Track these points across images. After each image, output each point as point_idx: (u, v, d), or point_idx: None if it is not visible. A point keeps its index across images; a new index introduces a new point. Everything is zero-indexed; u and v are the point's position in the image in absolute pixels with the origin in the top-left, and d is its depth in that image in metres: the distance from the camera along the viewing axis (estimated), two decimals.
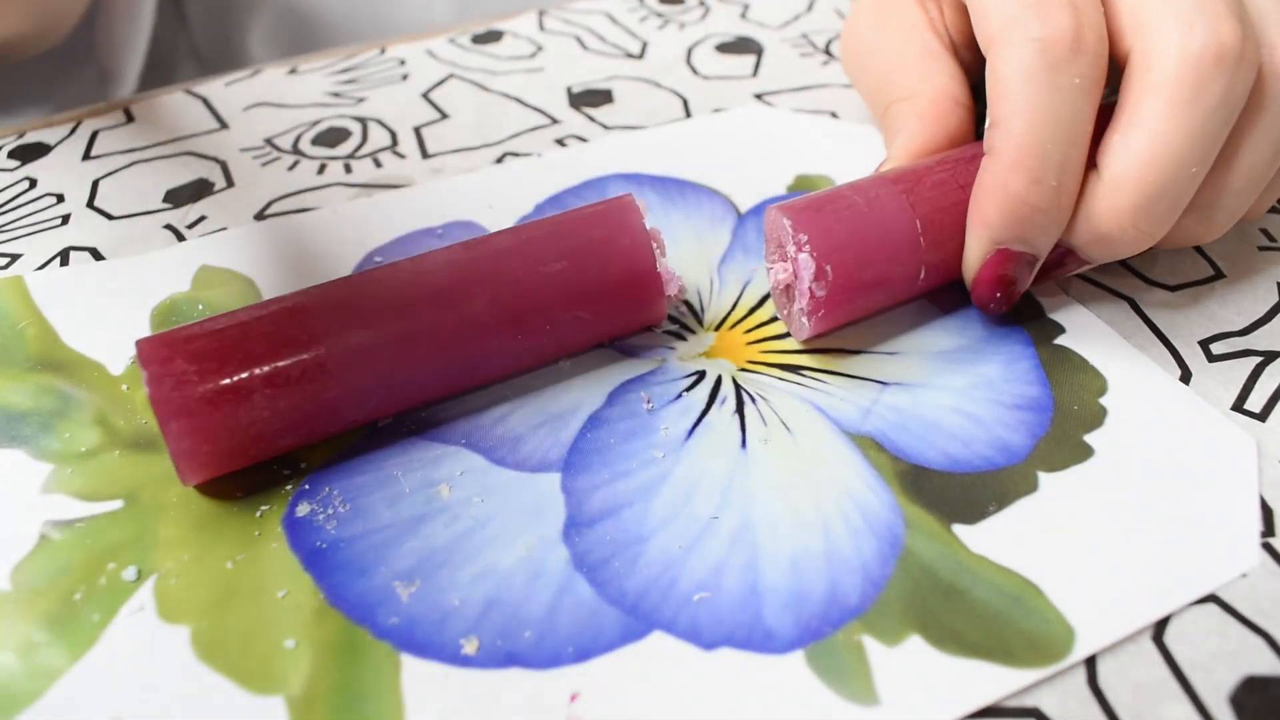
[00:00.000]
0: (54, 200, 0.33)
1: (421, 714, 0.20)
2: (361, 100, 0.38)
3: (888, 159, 0.29)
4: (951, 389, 0.26)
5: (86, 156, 0.35)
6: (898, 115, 0.30)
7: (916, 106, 0.29)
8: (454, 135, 0.36)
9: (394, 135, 0.36)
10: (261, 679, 0.20)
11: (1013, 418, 0.25)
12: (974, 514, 0.23)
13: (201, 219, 0.32)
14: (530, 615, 0.21)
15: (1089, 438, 0.25)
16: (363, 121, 0.37)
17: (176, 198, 0.33)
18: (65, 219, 0.32)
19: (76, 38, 0.47)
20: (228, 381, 0.22)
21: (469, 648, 0.21)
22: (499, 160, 0.35)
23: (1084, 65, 0.24)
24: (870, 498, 0.24)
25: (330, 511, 0.23)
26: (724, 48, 0.42)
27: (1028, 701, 0.20)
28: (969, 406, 0.26)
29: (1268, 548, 0.23)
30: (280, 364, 0.22)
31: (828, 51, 0.41)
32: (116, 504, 0.23)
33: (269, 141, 0.36)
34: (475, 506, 0.23)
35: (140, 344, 0.22)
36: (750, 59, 0.41)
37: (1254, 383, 0.27)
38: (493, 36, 0.42)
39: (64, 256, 0.31)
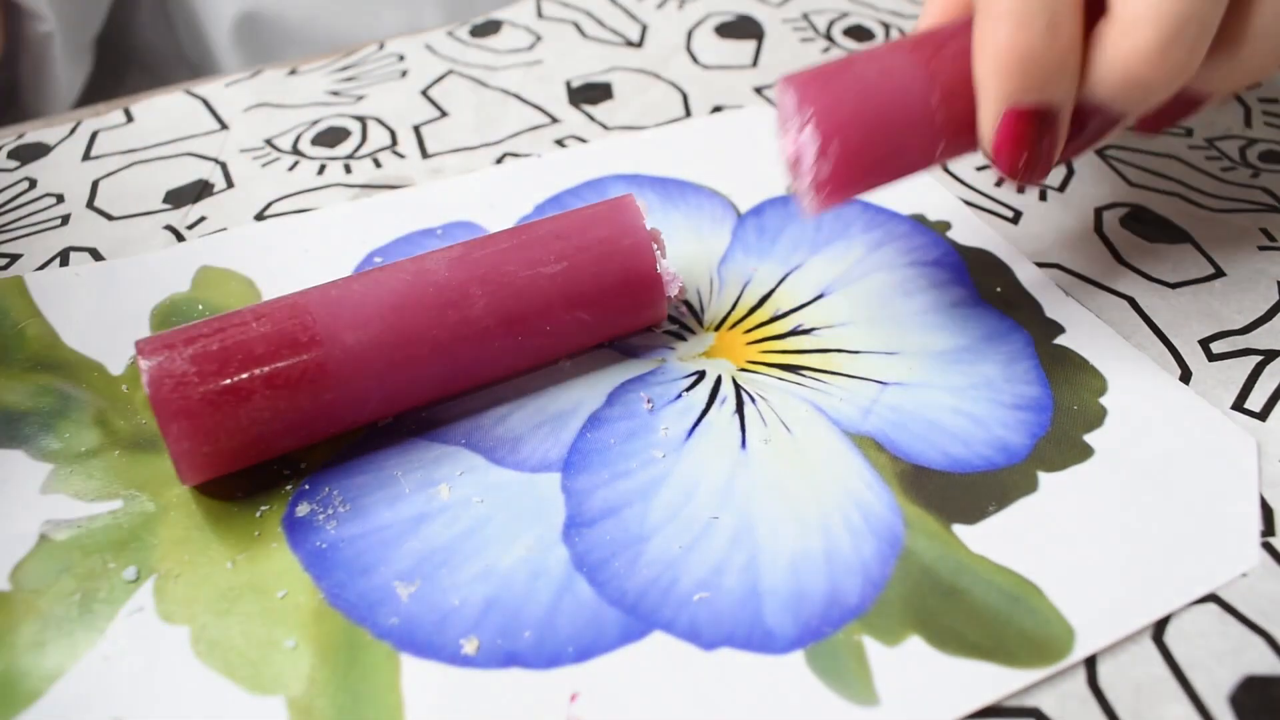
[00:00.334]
0: (54, 200, 0.33)
1: (421, 714, 0.20)
2: (361, 98, 0.38)
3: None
4: (951, 389, 0.26)
5: (86, 157, 0.35)
6: None
7: None
8: (453, 134, 0.36)
9: (393, 134, 0.36)
10: (261, 679, 0.20)
11: (1013, 418, 0.25)
12: (974, 514, 0.23)
13: (201, 219, 0.32)
14: (530, 615, 0.21)
15: (1089, 438, 0.25)
16: (362, 120, 0.37)
17: (176, 198, 0.33)
18: (65, 219, 0.32)
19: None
20: (228, 382, 0.22)
21: (469, 648, 0.21)
22: (499, 160, 0.35)
23: None
24: (870, 498, 0.24)
25: (330, 511, 0.23)
26: (724, 29, 0.41)
27: (1028, 701, 0.20)
28: (969, 406, 0.26)
29: (1268, 547, 0.23)
30: (280, 365, 0.22)
31: (828, 36, 0.41)
32: (116, 504, 0.23)
33: (269, 142, 0.36)
34: (475, 506, 0.23)
35: (140, 344, 0.22)
36: (750, 45, 0.41)
37: (1254, 382, 0.27)
38: (491, 28, 0.42)
39: (64, 257, 0.31)
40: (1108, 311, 0.29)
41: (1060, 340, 0.28)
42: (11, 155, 0.35)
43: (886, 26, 0.42)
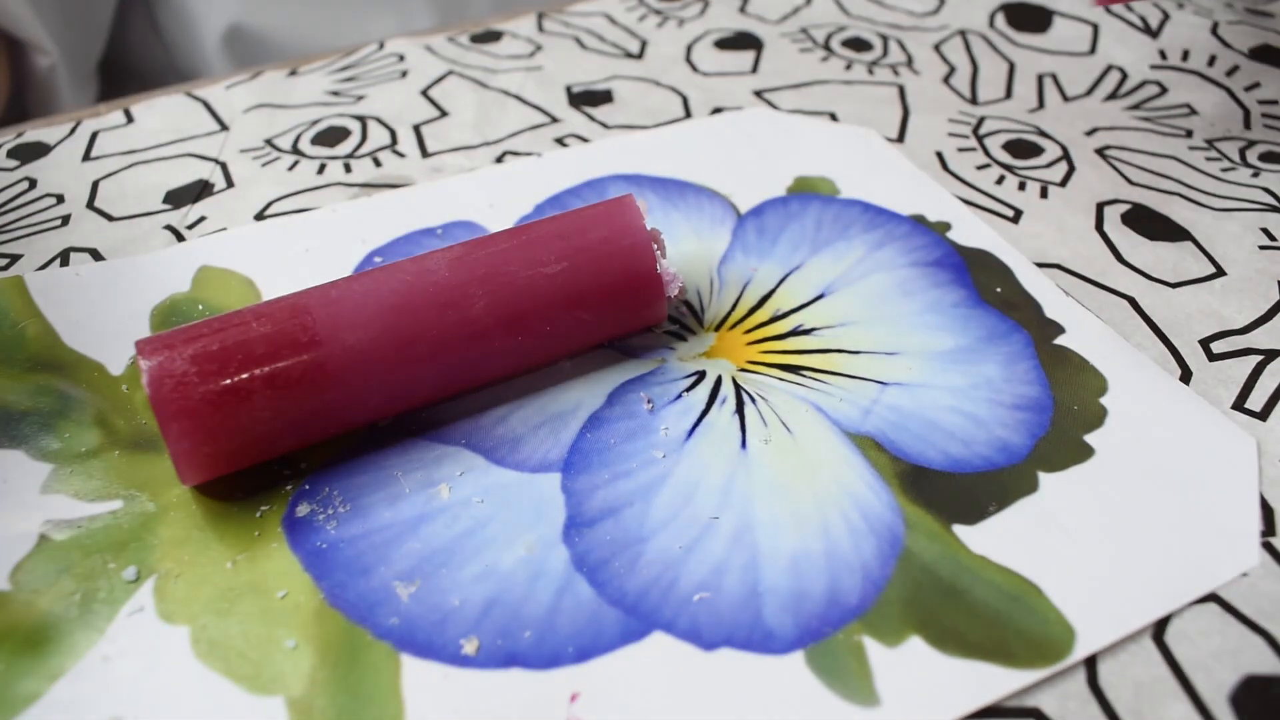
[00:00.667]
0: (54, 200, 0.33)
1: (421, 714, 0.20)
2: (361, 98, 0.38)
3: None
4: (951, 389, 0.26)
5: (86, 157, 0.35)
6: None
7: None
8: (454, 134, 0.36)
9: (393, 134, 0.36)
10: (261, 679, 0.20)
11: (1013, 418, 0.25)
12: (974, 514, 0.23)
13: (201, 219, 0.32)
14: (530, 615, 0.21)
15: (1089, 438, 0.25)
16: (362, 120, 0.37)
17: (176, 198, 0.33)
18: (65, 219, 0.32)
19: None
20: (228, 382, 0.22)
21: (469, 648, 0.21)
22: (499, 160, 0.35)
23: None
24: (870, 498, 0.24)
25: (330, 512, 0.23)
26: (723, 44, 0.42)
27: (1028, 701, 0.20)
28: (969, 406, 0.26)
29: (1268, 547, 0.23)
30: (280, 365, 0.22)
31: (827, 47, 0.41)
32: (116, 504, 0.23)
33: (269, 141, 0.36)
34: (475, 507, 0.23)
35: (140, 344, 0.22)
36: (749, 55, 0.41)
37: (1254, 382, 0.27)
38: (491, 36, 0.42)
39: (64, 257, 0.31)
40: (1108, 311, 0.29)
41: (1060, 340, 0.28)
42: (11, 155, 0.35)
43: (885, 39, 0.42)
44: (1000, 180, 0.34)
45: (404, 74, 0.39)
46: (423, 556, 0.22)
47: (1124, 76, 0.40)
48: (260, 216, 0.32)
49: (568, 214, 0.26)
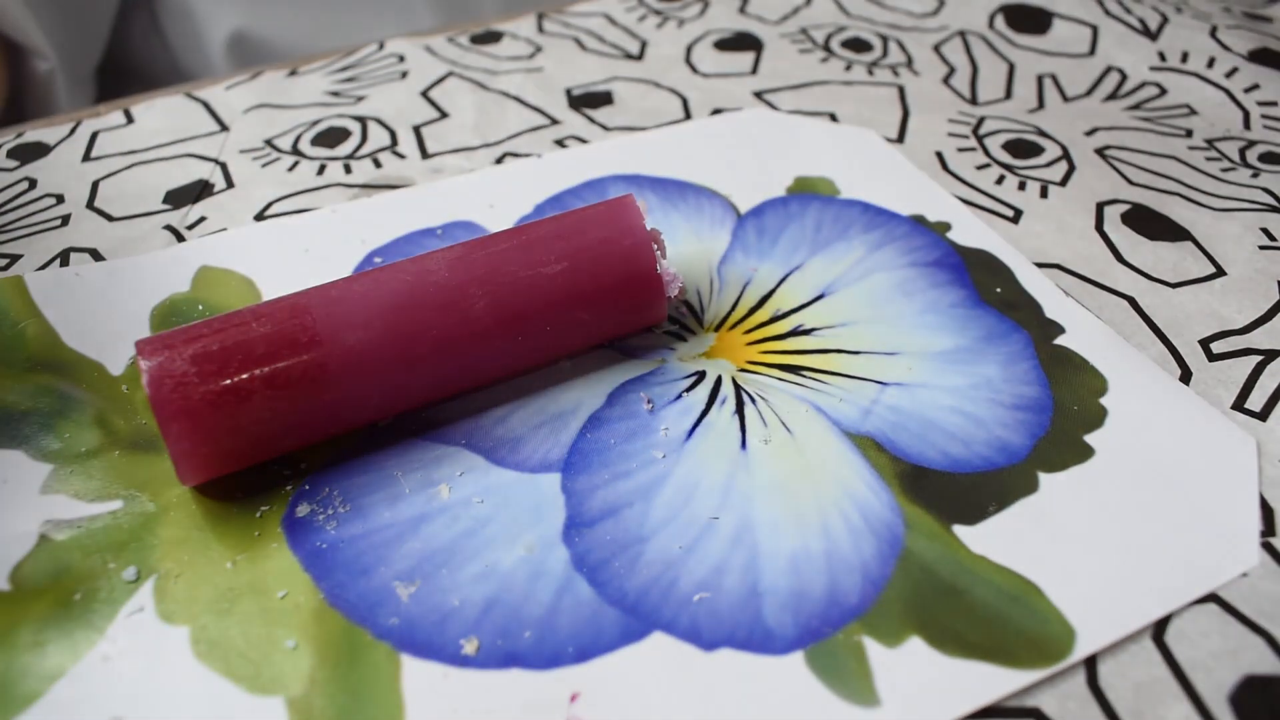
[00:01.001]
0: (54, 201, 0.33)
1: (421, 714, 0.20)
2: (361, 99, 0.38)
3: None
4: (951, 389, 0.26)
5: (86, 157, 0.35)
6: None
7: None
8: (454, 135, 0.36)
9: (393, 135, 0.36)
10: (261, 679, 0.20)
11: (1012, 418, 0.25)
12: (974, 514, 0.23)
13: (201, 219, 0.32)
14: (530, 615, 0.21)
15: (1089, 438, 0.25)
16: (362, 121, 0.37)
17: (176, 198, 0.33)
18: (65, 219, 0.32)
19: None
20: (228, 383, 0.22)
21: (469, 648, 0.21)
22: (499, 160, 0.35)
23: None
24: (870, 498, 0.24)
25: (330, 512, 0.23)
26: (723, 44, 0.42)
27: (1028, 701, 0.20)
28: (969, 406, 0.26)
29: (1268, 548, 0.23)
30: (280, 365, 0.22)
31: (827, 47, 0.41)
32: (116, 504, 0.23)
33: (269, 142, 0.36)
34: (475, 507, 0.23)
35: (140, 344, 0.22)
36: (749, 56, 0.41)
37: (1254, 382, 0.27)
38: (491, 37, 0.42)
39: (64, 257, 0.31)
40: (1108, 311, 0.29)
41: (1060, 340, 0.28)
42: (11, 155, 0.35)
43: (884, 39, 0.42)
44: (1000, 180, 0.34)
45: (404, 75, 0.39)
46: (423, 556, 0.22)
47: (1124, 77, 0.40)
48: (260, 217, 0.32)
49: (568, 214, 0.26)
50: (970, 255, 0.30)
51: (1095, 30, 0.43)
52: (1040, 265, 0.30)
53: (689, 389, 0.26)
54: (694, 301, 0.29)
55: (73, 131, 0.36)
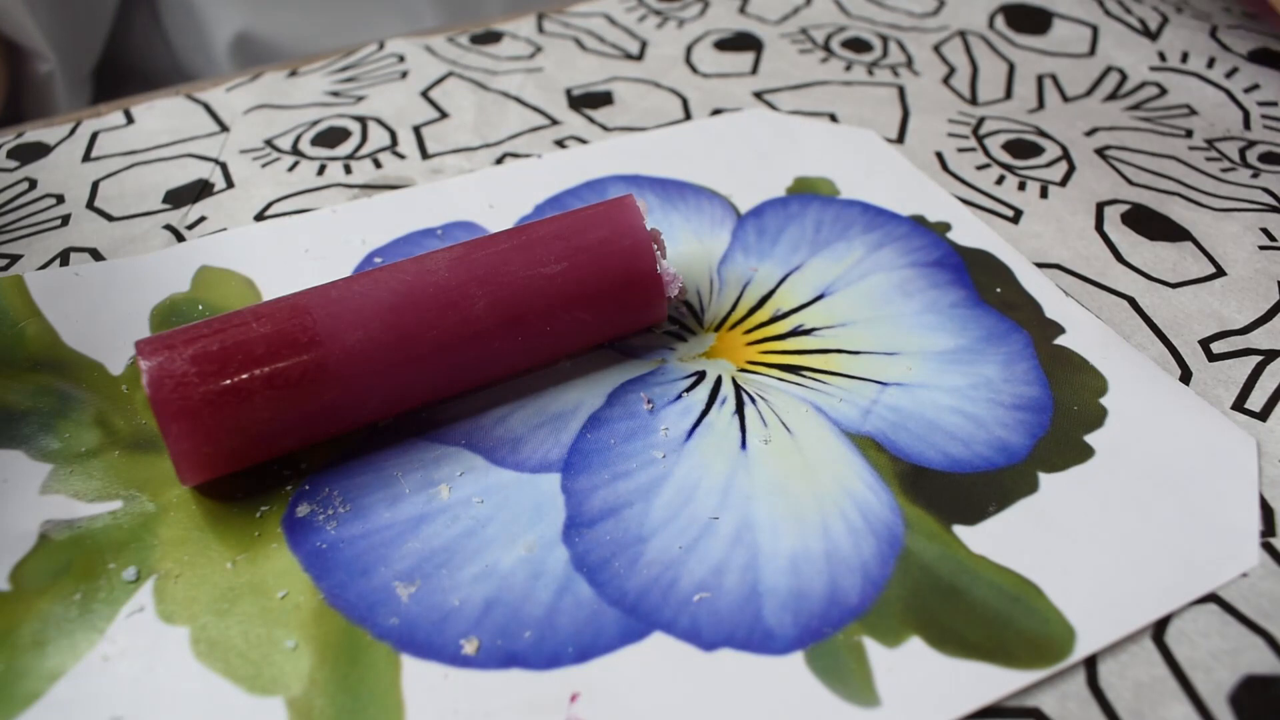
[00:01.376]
0: (54, 201, 0.33)
1: (421, 714, 0.20)
2: (361, 99, 0.38)
3: None
4: (951, 389, 0.26)
5: (87, 157, 0.35)
6: None
7: None
8: (453, 135, 0.36)
9: (393, 135, 0.36)
10: (261, 679, 0.20)
11: (1012, 418, 0.25)
12: (974, 514, 0.23)
13: (201, 219, 0.32)
14: (530, 615, 0.21)
15: (1089, 438, 0.25)
16: (362, 121, 0.37)
17: (176, 198, 0.33)
18: (65, 220, 0.32)
19: None
20: (228, 382, 0.22)
21: (469, 648, 0.21)
22: (499, 160, 0.35)
23: None
24: (870, 498, 0.24)
25: (330, 512, 0.23)
26: (723, 45, 0.42)
27: (1028, 701, 0.20)
28: (969, 406, 0.26)
29: (1268, 548, 0.23)
30: (280, 365, 0.22)
31: (827, 47, 0.41)
32: (116, 504, 0.23)
33: (269, 142, 0.36)
34: (475, 507, 0.23)
35: (140, 344, 0.22)
36: (749, 56, 0.41)
37: (1254, 382, 0.27)
38: (491, 37, 0.42)
39: (64, 257, 0.31)
40: (1108, 311, 0.29)
41: (1060, 340, 0.28)
42: (11, 155, 0.35)
43: (884, 39, 0.42)
44: (1000, 180, 0.34)
45: (404, 75, 0.39)
46: (422, 556, 0.22)
47: (1124, 78, 0.40)
48: (260, 217, 0.32)
49: (568, 214, 0.26)
50: (970, 255, 0.30)
51: (1095, 30, 0.43)
52: (1040, 265, 0.30)
53: (689, 389, 0.26)
54: (694, 301, 0.29)
55: (73, 132, 0.36)
